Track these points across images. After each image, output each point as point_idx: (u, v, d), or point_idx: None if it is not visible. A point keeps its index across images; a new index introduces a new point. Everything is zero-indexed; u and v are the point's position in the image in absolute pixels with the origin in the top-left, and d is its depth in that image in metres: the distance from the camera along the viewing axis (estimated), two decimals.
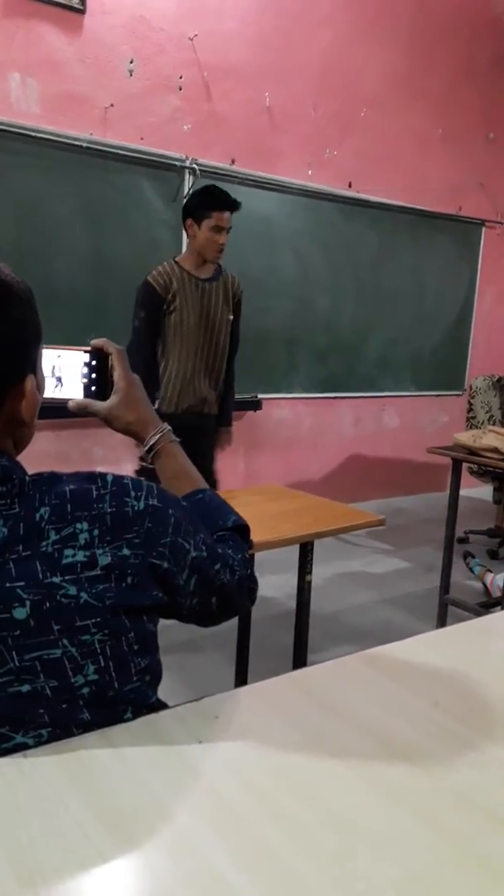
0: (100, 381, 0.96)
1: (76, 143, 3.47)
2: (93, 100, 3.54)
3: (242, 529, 0.99)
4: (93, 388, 0.96)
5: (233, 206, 2.77)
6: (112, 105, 3.59)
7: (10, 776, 0.68)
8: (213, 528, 0.95)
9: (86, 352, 0.95)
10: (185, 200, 2.97)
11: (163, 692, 0.86)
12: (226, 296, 2.93)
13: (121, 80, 3.61)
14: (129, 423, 0.97)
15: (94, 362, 0.95)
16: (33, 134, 3.36)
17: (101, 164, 3.56)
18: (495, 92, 5.13)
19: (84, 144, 3.49)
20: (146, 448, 0.99)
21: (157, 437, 0.98)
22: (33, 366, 0.80)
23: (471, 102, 5.02)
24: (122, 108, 3.62)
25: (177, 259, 2.87)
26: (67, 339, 0.97)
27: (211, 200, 2.74)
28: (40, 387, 0.82)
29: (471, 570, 3.17)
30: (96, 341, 0.95)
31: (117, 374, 0.96)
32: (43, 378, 0.84)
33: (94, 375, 0.95)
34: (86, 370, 0.95)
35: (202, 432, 2.97)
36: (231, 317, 2.96)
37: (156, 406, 2.80)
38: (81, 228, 3.56)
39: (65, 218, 3.51)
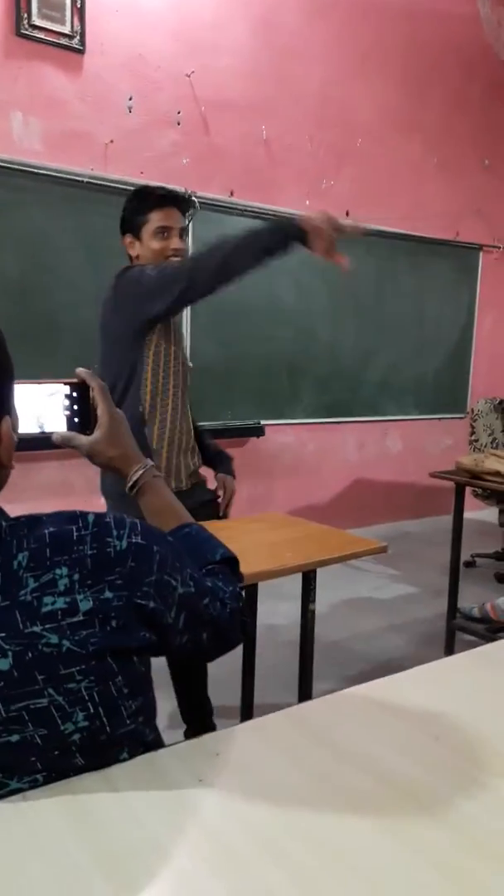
0: (82, 414, 0.94)
1: (77, 178, 3.53)
2: (93, 136, 3.61)
3: (231, 562, 0.96)
4: (75, 419, 0.94)
5: (175, 200, 2.02)
6: (112, 141, 3.66)
7: (9, 819, 0.68)
8: (202, 561, 0.93)
9: (66, 384, 0.94)
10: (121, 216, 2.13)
11: (168, 722, 0.85)
12: None
13: (120, 117, 3.68)
14: (111, 459, 0.95)
15: (75, 394, 0.94)
16: (36, 171, 3.42)
17: (102, 199, 3.61)
18: (489, 119, 5.21)
19: (85, 180, 3.55)
20: (129, 485, 0.97)
21: (140, 472, 0.96)
22: (7, 407, 0.78)
23: (465, 130, 5.10)
24: (122, 143, 3.69)
25: None
26: (70, 373, 0.96)
27: (146, 200, 2.01)
28: (15, 426, 0.81)
29: (471, 618, 3.14)
30: (80, 371, 0.94)
31: (101, 409, 0.94)
32: (17, 417, 0.83)
33: (75, 407, 0.94)
34: (67, 402, 0.94)
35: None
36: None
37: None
38: (83, 262, 3.61)
39: (67, 252, 3.55)
